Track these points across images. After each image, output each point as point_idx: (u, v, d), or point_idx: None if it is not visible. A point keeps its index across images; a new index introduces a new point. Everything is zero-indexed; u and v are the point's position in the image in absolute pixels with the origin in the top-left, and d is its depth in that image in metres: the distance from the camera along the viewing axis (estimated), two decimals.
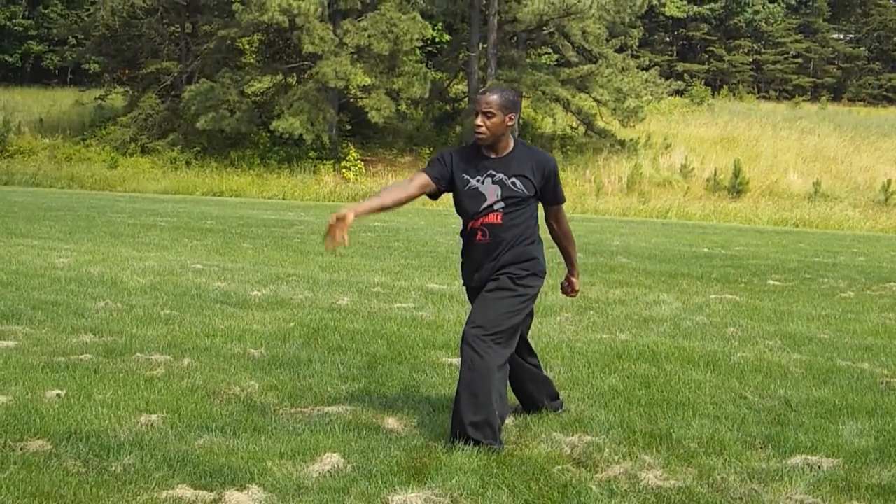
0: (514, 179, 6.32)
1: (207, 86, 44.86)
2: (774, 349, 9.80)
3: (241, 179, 43.34)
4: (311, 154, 44.93)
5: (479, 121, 6.25)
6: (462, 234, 6.50)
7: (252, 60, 50.29)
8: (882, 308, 13.36)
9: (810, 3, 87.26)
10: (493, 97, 6.24)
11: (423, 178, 6.34)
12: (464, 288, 6.66)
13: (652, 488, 5.50)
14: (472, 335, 6.13)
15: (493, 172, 6.33)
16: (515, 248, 6.34)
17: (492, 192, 6.30)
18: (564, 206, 6.75)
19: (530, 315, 6.64)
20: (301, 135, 43.40)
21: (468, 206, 6.34)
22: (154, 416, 6.46)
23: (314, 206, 35.45)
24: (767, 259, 20.11)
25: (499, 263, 6.34)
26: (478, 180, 6.33)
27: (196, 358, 8.27)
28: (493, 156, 6.37)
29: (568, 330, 10.39)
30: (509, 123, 6.30)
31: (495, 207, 6.31)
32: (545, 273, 6.51)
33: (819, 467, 5.92)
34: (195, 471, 5.49)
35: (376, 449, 6.00)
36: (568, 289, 7.02)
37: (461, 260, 6.59)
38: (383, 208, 6.27)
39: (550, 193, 6.55)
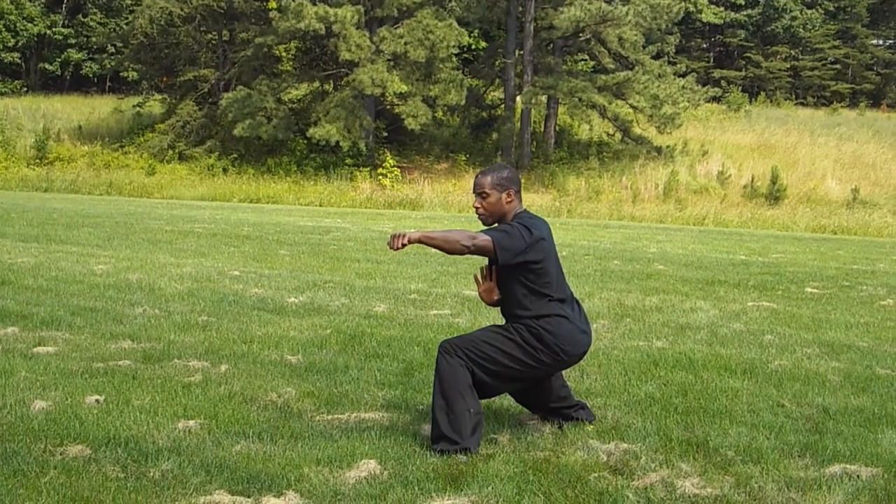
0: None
1: (245, 93, 45.05)
2: (812, 357, 9.74)
3: (278, 186, 43.48)
4: (348, 161, 45.07)
5: (476, 203, 6.51)
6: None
7: (289, 68, 50.50)
8: None
9: (849, 9, 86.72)
10: (486, 178, 6.43)
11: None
12: None
13: (689, 496, 5.49)
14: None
15: None
16: None
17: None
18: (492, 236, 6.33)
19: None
20: (338, 142, 43.52)
21: None
22: (192, 423, 6.50)
23: (351, 212, 35.51)
24: (805, 266, 19.99)
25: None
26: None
27: (233, 364, 8.31)
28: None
29: (605, 337, 10.36)
30: (507, 200, 6.44)
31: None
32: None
33: (858, 476, 5.89)
34: (232, 477, 5.52)
35: (413, 456, 6.01)
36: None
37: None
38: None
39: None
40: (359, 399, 7.33)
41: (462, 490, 5.44)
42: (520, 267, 6.33)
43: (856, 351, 10.20)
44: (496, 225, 6.46)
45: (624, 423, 6.92)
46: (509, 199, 6.42)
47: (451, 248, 6.12)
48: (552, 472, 5.79)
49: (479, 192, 6.42)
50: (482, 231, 6.28)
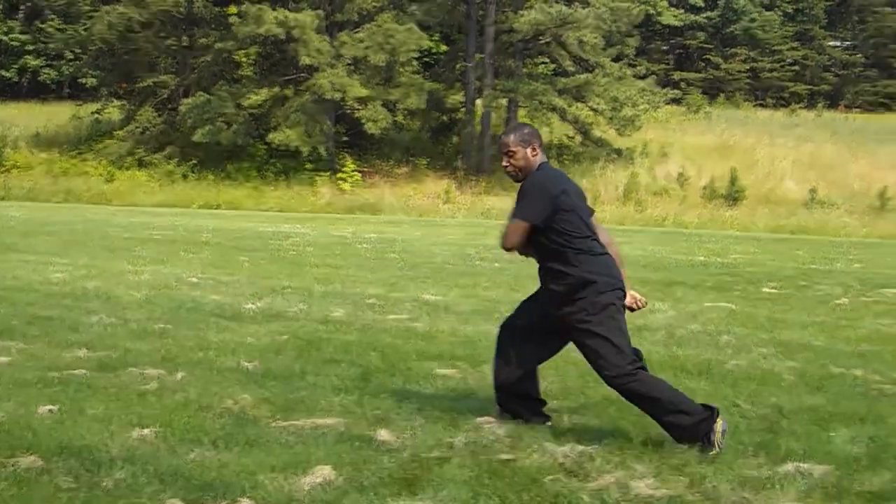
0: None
1: (204, 98, 44.88)
2: (768, 357, 9.81)
3: (238, 192, 43.34)
4: (308, 166, 44.92)
5: (504, 162, 6.65)
6: None
7: (249, 73, 50.34)
8: (877, 314, 13.37)
9: (807, 11, 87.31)
10: (510, 137, 6.62)
11: None
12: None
13: (643, 497, 5.52)
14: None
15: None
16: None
17: None
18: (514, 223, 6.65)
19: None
20: (298, 147, 43.38)
21: None
22: (146, 431, 6.46)
23: (311, 217, 35.45)
24: (763, 266, 20.11)
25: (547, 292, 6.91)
26: None
27: (189, 371, 8.27)
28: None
29: None
30: (532, 154, 6.60)
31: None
32: None
33: (810, 474, 5.93)
34: (186, 485, 5.50)
35: (368, 461, 5.99)
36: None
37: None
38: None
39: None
40: (315, 405, 7.32)
41: (417, 494, 5.44)
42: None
43: (811, 350, 10.28)
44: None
45: (580, 425, 6.94)
46: (534, 153, 6.60)
47: None
48: (508, 475, 5.79)
49: (506, 152, 6.60)
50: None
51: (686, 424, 6.38)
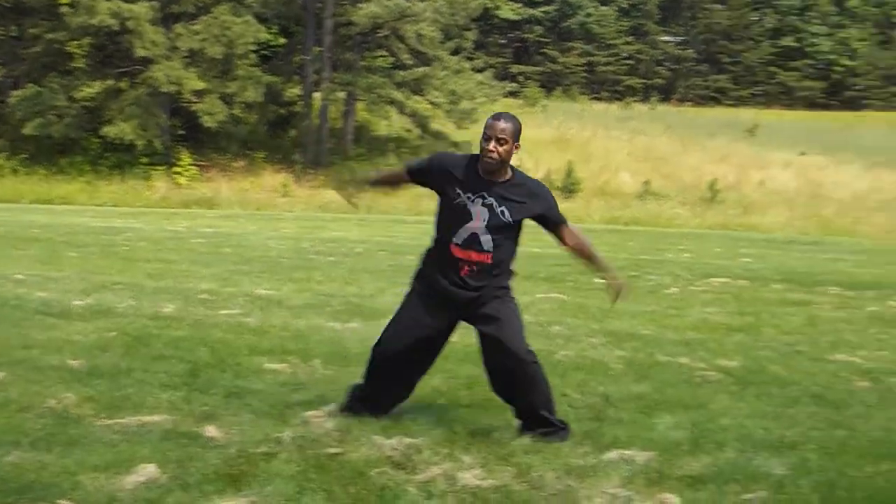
0: (502, 206, 6.39)
1: (34, 91, 43.82)
2: (597, 346, 9.97)
3: (71, 187, 42.42)
4: (143, 160, 44.19)
5: (491, 146, 6.22)
6: (434, 240, 6.62)
7: (82, 65, 49.11)
8: (704, 303, 13.71)
9: (641, 6, 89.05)
10: (508, 125, 6.25)
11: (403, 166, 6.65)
12: (416, 283, 6.80)
13: (470, 488, 5.54)
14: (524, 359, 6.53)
15: (488, 197, 6.37)
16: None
17: (479, 215, 6.38)
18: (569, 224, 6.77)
19: None
20: (133, 140, 42.67)
21: (450, 222, 6.45)
22: None
23: (145, 212, 34.88)
24: None
25: (488, 290, 6.62)
26: (472, 200, 6.37)
27: (10, 371, 8.02)
28: (490, 179, 6.38)
29: None
30: (516, 151, 6.33)
31: (482, 244, 6.41)
32: None
33: (634, 461, 6.05)
34: (3, 487, 5.33)
35: (194, 458, 5.90)
36: (615, 289, 6.98)
37: (429, 265, 6.69)
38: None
39: (551, 227, 6.76)
40: (141, 402, 7.18)
41: (242, 490, 5.38)
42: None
43: (639, 339, 10.48)
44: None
45: (409, 417, 6.93)
46: (517, 149, 6.36)
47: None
48: (335, 469, 5.77)
49: (500, 138, 6.21)
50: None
51: (555, 422, 6.54)
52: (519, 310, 6.70)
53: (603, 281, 7.03)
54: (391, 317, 6.91)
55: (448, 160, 6.55)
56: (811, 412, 7.47)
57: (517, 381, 6.52)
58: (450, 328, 6.70)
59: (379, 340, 6.81)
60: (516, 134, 6.28)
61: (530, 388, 6.54)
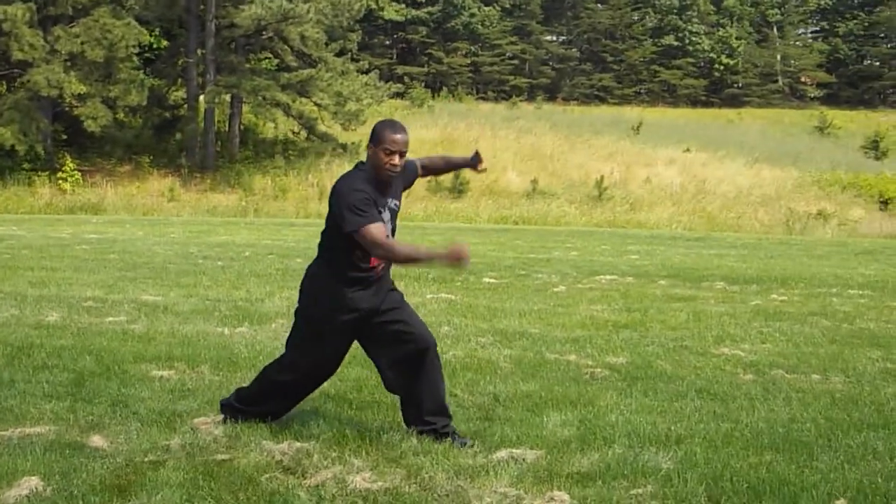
0: (396, 201, 6.56)
1: None
2: (486, 346, 10.02)
3: None
4: (25, 166, 43.30)
5: (396, 160, 6.27)
6: (348, 265, 6.43)
7: None
8: (591, 300, 13.84)
9: (524, 6, 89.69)
10: (407, 137, 6.32)
11: (381, 227, 6.27)
12: (335, 315, 6.50)
13: (360, 491, 5.55)
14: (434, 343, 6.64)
15: (388, 200, 6.45)
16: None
17: (387, 220, 6.45)
18: None
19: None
20: (13, 146, 41.76)
21: None
22: None
23: (28, 219, 34.22)
24: (484, 257, 20.52)
25: (389, 284, 6.68)
26: (383, 212, 6.38)
27: None
28: (383, 184, 6.43)
29: (282, 337, 10.29)
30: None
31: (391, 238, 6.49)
32: None
33: (523, 459, 6.11)
34: None
35: (79, 469, 5.83)
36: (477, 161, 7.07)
37: (348, 290, 6.46)
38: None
39: (412, 175, 6.89)
40: (24, 414, 7.05)
41: (129, 500, 5.36)
42: None
43: (528, 338, 10.55)
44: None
45: (298, 421, 6.92)
46: None
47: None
48: (224, 476, 5.74)
49: (404, 152, 6.31)
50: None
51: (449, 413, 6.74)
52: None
53: (470, 170, 7.10)
54: (293, 346, 6.79)
55: (364, 188, 6.32)
56: (697, 406, 7.59)
57: (427, 367, 6.54)
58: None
59: (284, 370, 6.77)
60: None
61: (438, 372, 6.63)
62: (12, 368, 8.50)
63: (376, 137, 6.31)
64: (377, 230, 6.14)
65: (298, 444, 6.32)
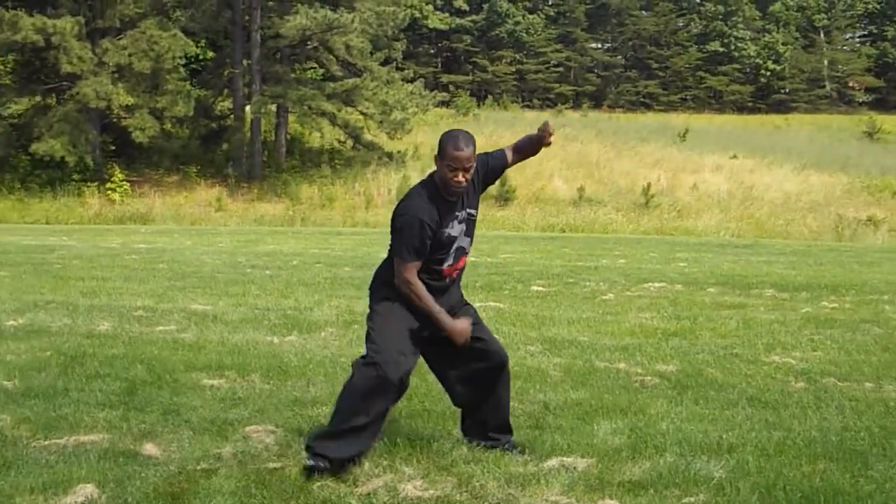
0: (470, 210, 6.29)
1: None
2: (535, 354, 9.99)
3: (1, 205, 41.88)
4: (75, 177, 43.69)
5: (460, 177, 6.01)
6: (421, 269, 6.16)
7: (7, 81, 48.59)
8: (640, 308, 13.77)
9: (568, 14, 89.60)
10: (472, 150, 6.03)
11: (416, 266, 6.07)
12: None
13: (411, 499, 5.56)
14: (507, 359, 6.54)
15: (459, 213, 6.21)
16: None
17: (459, 232, 6.25)
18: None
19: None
20: (63, 157, 42.13)
21: (439, 254, 6.20)
22: None
23: (79, 229, 34.53)
24: (532, 265, 20.49)
25: (459, 295, 6.54)
26: (451, 226, 6.17)
27: None
28: (454, 199, 6.19)
29: (332, 345, 10.37)
30: None
31: (466, 249, 6.37)
32: None
33: (574, 468, 6.08)
34: None
35: (133, 476, 5.87)
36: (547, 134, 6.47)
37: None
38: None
39: (499, 163, 6.51)
40: (78, 422, 7.11)
41: None
42: None
43: (577, 346, 10.51)
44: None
45: None
46: None
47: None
48: (276, 484, 5.76)
49: (468, 167, 6.03)
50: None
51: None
52: None
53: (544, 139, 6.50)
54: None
55: (419, 217, 6.05)
56: (748, 414, 7.53)
57: (499, 383, 6.50)
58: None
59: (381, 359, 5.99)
60: (475, 151, 6.11)
61: (507, 389, 6.61)
62: (66, 377, 8.58)
63: (441, 152, 6.08)
64: (410, 270, 6.02)
65: None
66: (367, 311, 6.35)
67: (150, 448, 6.46)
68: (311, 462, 5.88)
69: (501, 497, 5.60)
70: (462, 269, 6.45)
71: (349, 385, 6.00)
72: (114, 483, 5.75)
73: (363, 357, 6.02)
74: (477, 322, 6.39)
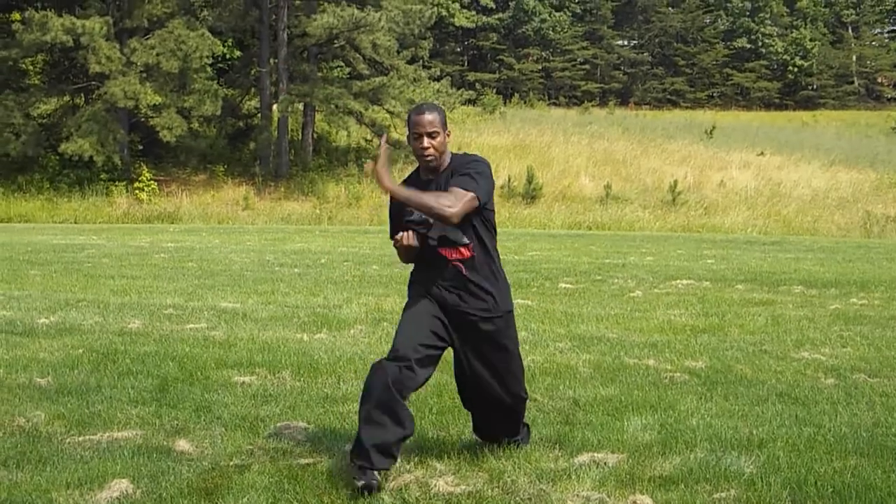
0: None
1: None
2: (564, 350, 10.02)
3: (30, 204, 42.10)
4: (103, 176, 43.86)
5: (425, 143, 5.83)
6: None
7: (36, 81, 48.83)
8: (668, 305, 13.78)
9: (594, 11, 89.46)
10: (434, 116, 5.84)
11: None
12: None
13: (443, 494, 5.58)
14: None
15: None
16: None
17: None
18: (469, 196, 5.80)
19: None
20: (91, 157, 42.27)
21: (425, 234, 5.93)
22: None
23: (107, 228, 34.70)
24: (559, 263, 20.50)
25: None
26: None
27: None
28: (432, 177, 5.97)
29: (362, 342, 10.42)
30: (448, 139, 5.93)
31: (452, 239, 5.91)
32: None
33: (605, 464, 6.11)
34: None
35: (166, 472, 5.93)
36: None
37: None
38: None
39: (458, 179, 5.89)
40: (111, 418, 7.18)
41: (217, 503, 5.40)
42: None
43: (605, 342, 10.53)
44: (455, 176, 5.86)
45: None
46: (449, 137, 5.94)
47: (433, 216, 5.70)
48: (308, 480, 5.80)
49: (431, 132, 5.80)
50: (455, 190, 5.74)
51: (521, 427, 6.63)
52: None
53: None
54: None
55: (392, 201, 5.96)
56: (778, 410, 7.54)
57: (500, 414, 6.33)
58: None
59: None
60: (444, 122, 5.91)
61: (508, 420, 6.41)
62: (98, 374, 8.66)
63: (407, 123, 5.98)
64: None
65: None
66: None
67: (182, 444, 6.52)
68: (362, 482, 5.60)
69: (533, 492, 5.62)
70: (470, 262, 5.96)
71: (377, 380, 5.70)
72: (148, 478, 5.81)
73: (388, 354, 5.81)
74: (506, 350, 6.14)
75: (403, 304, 6.14)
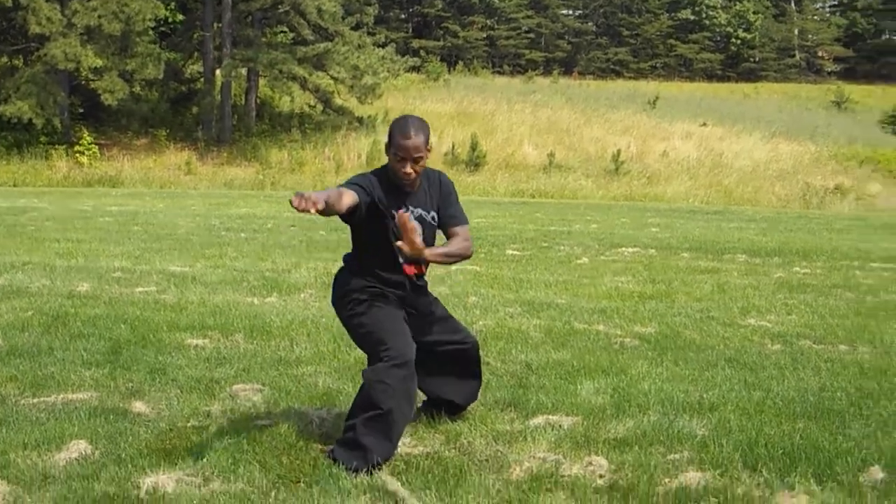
0: (433, 213, 5.86)
1: None
2: (515, 316, 10.10)
3: None
4: (43, 139, 43.34)
5: (408, 168, 5.55)
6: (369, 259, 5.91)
7: None
8: (615, 272, 13.90)
9: None
10: (420, 140, 5.55)
11: (349, 192, 5.39)
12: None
13: (402, 455, 5.62)
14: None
15: (413, 208, 5.72)
16: None
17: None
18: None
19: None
20: (31, 119, 41.75)
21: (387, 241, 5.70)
22: None
23: (47, 192, 34.35)
24: (505, 230, 20.59)
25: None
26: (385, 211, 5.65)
27: None
28: (409, 190, 5.75)
29: (312, 306, 10.43)
30: (429, 154, 5.66)
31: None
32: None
33: (560, 426, 6.19)
34: None
35: (124, 433, 5.93)
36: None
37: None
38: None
39: (452, 212, 5.95)
40: (65, 380, 7.16)
41: (176, 464, 5.41)
42: None
43: (555, 308, 10.62)
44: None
45: (335, 388, 7.01)
46: (429, 153, 5.66)
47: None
48: (266, 441, 5.82)
49: (416, 157, 5.53)
50: (463, 229, 5.90)
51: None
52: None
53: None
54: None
55: (371, 177, 5.69)
56: (728, 375, 7.66)
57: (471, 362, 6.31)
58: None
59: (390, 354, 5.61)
60: (428, 138, 5.65)
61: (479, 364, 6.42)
62: (49, 336, 8.61)
63: (389, 139, 5.64)
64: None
65: (337, 411, 6.39)
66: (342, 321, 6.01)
67: (139, 406, 6.52)
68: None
69: (490, 454, 5.69)
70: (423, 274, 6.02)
71: (383, 392, 5.50)
72: (106, 439, 5.80)
73: (384, 360, 5.55)
74: (445, 317, 6.21)
75: (357, 303, 5.87)
